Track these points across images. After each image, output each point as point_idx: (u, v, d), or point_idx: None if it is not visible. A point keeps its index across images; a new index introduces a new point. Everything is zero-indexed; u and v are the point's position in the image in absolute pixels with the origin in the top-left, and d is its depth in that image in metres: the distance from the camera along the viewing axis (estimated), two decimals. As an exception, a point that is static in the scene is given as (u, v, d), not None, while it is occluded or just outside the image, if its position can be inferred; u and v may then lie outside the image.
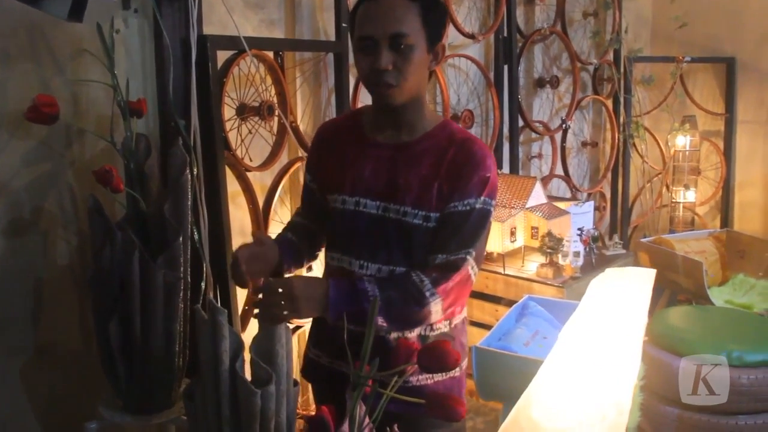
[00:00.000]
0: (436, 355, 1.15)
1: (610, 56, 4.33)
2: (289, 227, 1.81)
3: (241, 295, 2.34)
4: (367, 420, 1.24)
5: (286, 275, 1.64)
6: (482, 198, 1.57)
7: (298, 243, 1.76)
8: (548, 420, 1.51)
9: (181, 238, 1.74)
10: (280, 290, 1.43)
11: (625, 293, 1.84)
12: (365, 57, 1.54)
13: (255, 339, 1.43)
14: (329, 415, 1.24)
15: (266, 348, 1.40)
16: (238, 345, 1.34)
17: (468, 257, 1.56)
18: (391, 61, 1.51)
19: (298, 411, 2.78)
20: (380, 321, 1.51)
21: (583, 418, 1.51)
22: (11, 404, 1.90)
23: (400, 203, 1.60)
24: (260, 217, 2.34)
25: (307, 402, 2.85)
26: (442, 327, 1.67)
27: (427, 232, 1.59)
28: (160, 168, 1.89)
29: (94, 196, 1.74)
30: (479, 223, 1.58)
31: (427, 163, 1.60)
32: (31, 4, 1.42)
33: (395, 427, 1.25)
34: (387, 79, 1.52)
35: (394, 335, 1.61)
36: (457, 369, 1.69)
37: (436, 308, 1.55)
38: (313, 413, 2.74)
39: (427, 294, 1.53)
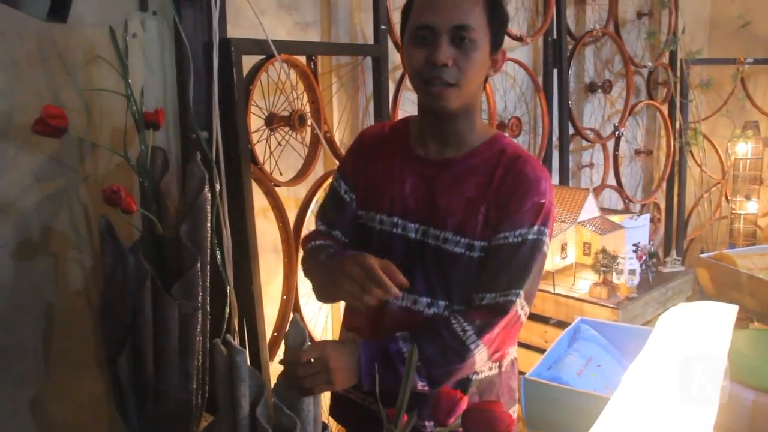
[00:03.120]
0: (485, 419, 0.97)
1: (666, 59, 4.10)
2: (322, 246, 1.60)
3: (270, 322, 2.17)
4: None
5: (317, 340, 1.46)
6: (536, 227, 1.37)
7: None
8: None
9: (198, 265, 1.57)
10: (313, 361, 1.26)
11: (702, 331, 1.62)
12: (420, 49, 1.34)
13: (278, 381, 1.27)
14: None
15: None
16: (260, 388, 1.18)
17: (516, 299, 1.36)
18: (451, 56, 1.32)
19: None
20: (420, 385, 1.33)
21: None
22: (21, 438, 1.77)
23: (440, 228, 1.41)
24: (290, 236, 2.16)
25: None
26: (488, 371, 1.47)
27: (470, 263, 1.39)
28: (179, 185, 1.73)
29: (106, 218, 1.58)
30: (531, 257, 1.37)
31: (473, 183, 1.40)
32: (9, 3, 1.27)
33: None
34: (445, 76, 1.32)
35: None
36: None
37: (480, 357, 1.36)
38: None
39: (472, 346, 1.33)
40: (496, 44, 1.38)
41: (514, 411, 1.57)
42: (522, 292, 1.36)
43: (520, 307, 1.37)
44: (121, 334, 1.54)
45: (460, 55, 1.32)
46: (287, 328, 1.28)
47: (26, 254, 1.72)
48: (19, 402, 1.75)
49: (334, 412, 1.65)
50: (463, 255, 1.39)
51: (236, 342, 1.83)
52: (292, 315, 1.38)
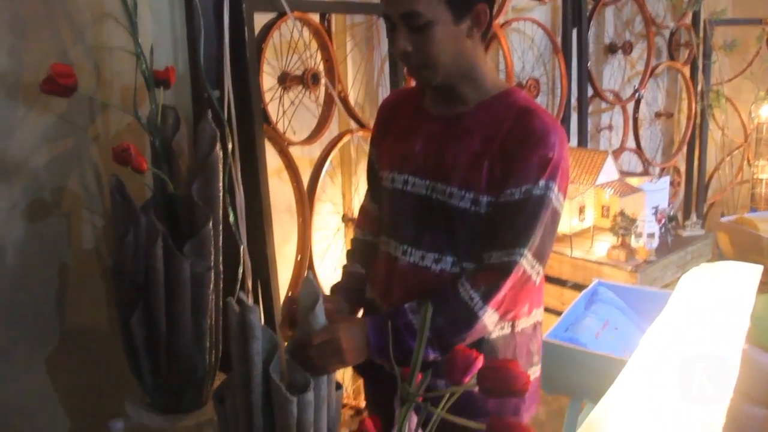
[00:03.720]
0: (501, 377, 0.94)
1: (689, 19, 3.98)
2: (355, 253, 1.63)
3: (285, 282, 2.16)
4: (419, 432, 1.05)
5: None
6: (542, 182, 1.32)
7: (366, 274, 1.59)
8: (629, 437, 1.28)
9: (211, 223, 1.55)
10: (325, 343, 1.25)
11: (724, 292, 1.58)
12: (391, 35, 1.35)
13: (292, 339, 1.25)
14: (374, 428, 1.06)
15: None
16: (273, 346, 1.16)
17: (520, 258, 1.32)
18: (409, 43, 1.30)
19: (346, 402, 2.61)
20: (432, 356, 1.32)
21: (671, 436, 1.28)
22: (38, 396, 1.78)
23: (446, 183, 1.38)
24: (304, 196, 2.14)
25: (359, 389, 2.67)
26: (499, 331, 1.45)
27: (477, 218, 1.36)
28: (191, 145, 1.71)
29: (117, 177, 1.57)
30: (536, 214, 1.33)
31: (479, 136, 1.37)
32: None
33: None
34: (411, 61, 1.33)
35: None
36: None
37: (491, 321, 1.34)
38: (363, 406, 2.57)
39: (480, 312, 1.32)
40: (461, 10, 1.32)
41: (532, 373, 1.54)
42: (527, 251, 1.33)
43: (530, 267, 1.34)
44: (133, 294, 1.53)
45: (419, 39, 1.30)
46: (300, 287, 1.26)
47: (38, 215, 1.71)
48: (35, 362, 1.76)
49: (354, 366, 1.65)
50: (468, 210, 1.36)
51: (250, 301, 1.82)
52: (306, 273, 1.35)
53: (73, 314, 1.80)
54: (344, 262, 1.63)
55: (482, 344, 1.43)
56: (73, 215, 1.77)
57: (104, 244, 1.82)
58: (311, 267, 2.18)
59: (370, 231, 1.61)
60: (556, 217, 1.37)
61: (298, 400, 1.15)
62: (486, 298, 1.31)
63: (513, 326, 1.46)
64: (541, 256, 1.36)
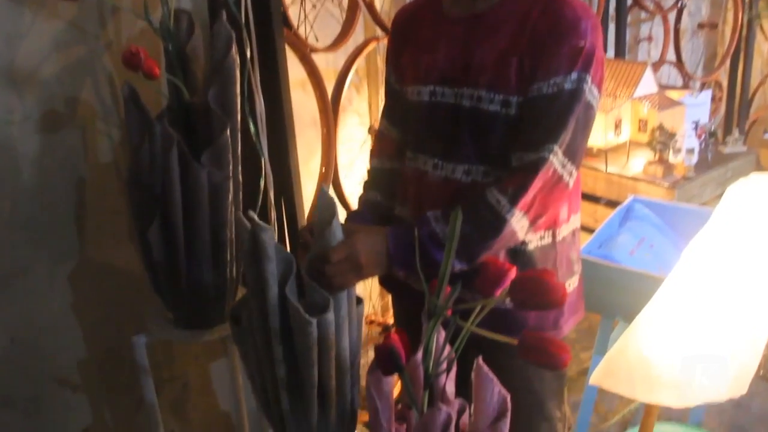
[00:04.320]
0: (536, 288, 0.87)
1: None
2: (372, 182, 1.56)
3: (309, 197, 2.10)
4: (447, 348, 0.99)
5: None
6: (574, 74, 1.22)
7: (386, 203, 1.51)
8: (663, 356, 1.21)
9: (228, 131, 1.48)
10: (343, 260, 1.17)
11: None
12: None
13: (309, 256, 1.19)
14: (400, 343, 1.00)
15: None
16: (288, 265, 1.10)
17: (549, 155, 1.22)
18: None
19: (374, 319, 2.59)
20: (458, 267, 1.24)
21: (707, 355, 1.20)
22: (60, 313, 1.76)
23: (473, 86, 1.28)
24: (328, 106, 2.05)
25: (386, 306, 2.64)
26: (539, 240, 1.37)
27: (508, 122, 1.27)
28: (206, 50, 1.62)
29: (129, 84, 1.49)
30: (568, 108, 1.23)
31: (506, 33, 1.26)
32: None
33: (479, 360, 1.00)
34: None
35: None
36: None
37: (520, 226, 1.25)
38: (391, 323, 2.54)
39: (507, 216, 1.23)
40: None
41: (571, 283, 1.47)
42: (557, 147, 1.23)
43: (561, 166, 1.25)
44: (150, 206, 1.47)
45: None
46: (315, 200, 1.20)
47: (52, 127, 1.65)
48: (56, 278, 1.73)
49: (382, 281, 1.61)
50: (499, 113, 1.27)
51: (273, 216, 1.77)
52: (321, 187, 1.27)
53: (93, 229, 1.76)
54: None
55: (518, 255, 1.36)
56: (88, 127, 1.70)
57: (122, 157, 1.76)
58: (336, 180, 2.11)
59: (388, 156, 1.53)
60: (590, 112, 1.27)
61: (318, 321, 1.10)
62: (514, 200, 1.23)
63: (554, 235, 1.38)
64: (573, 155, 1.27)
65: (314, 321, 1.09)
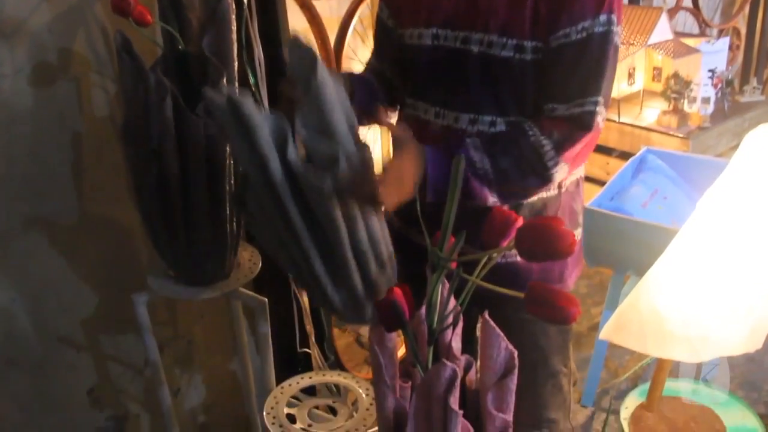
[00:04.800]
0: (544, 237, 0.81)
1: None
2: (365, 71, 1.50)
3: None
4: (452, 302, 0.95)
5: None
6: (602, 16, 1.16)
7: (373, 82, 1.43)
8: (676, 309, 1.16)
9: (225, 80, 1.42)
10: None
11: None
12: None
13: (299, 111, 1.07)
14: (403, 297, 0.96)
15: (319, 119, 1.05)
16: (282, 129, 1.03)
17: (597, 108, 1.18)
18: None
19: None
20: (491, 199, 1.19)
21: (722, 310, 1.16)
22: (61, 271, 1.73)
23: (483, 31, 1.22)
24: (331, 55, 1.99)
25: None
26: (545, 193, 1.32)
27: (523, 67, 1.21)
28: (201, -2, 1.56)
29: (121, 32, 1.43)
30: (603, 55, 1.18)
31: None
32: None
33: (485, 315, 0.96)
34: None
35: (478, 204, 1.27)
36: None
37: (560, 176, 1.21)
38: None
39: (550, 163, 1.18)
40: None
41: (576, 234, 1.43)
42: (600, 98, 1.19)
43: (601, 119, 1.20)
44: (145, 159, 1.43)
45: None
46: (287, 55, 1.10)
47: (45, 80, 1.60)
48: (56, 236, 1.70)
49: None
50: (512, 59, 1.21)
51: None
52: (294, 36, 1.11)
53: (91, 186, 1.72)
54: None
55: (519, 208, 1.31)
56: (82, 80, 1.65)
57: (118, 111, 1.71)
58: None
59: (378, 73, 1.46)
60: (617, 53, 1.22)
61: (329, 176, 1.03)
62: (559, 149, 1.18)
63: (560, 186, 1.33)
64: (607, 101, 1.22)
65: (327, 176, 1.03)
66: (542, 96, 1.22)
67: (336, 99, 1.06)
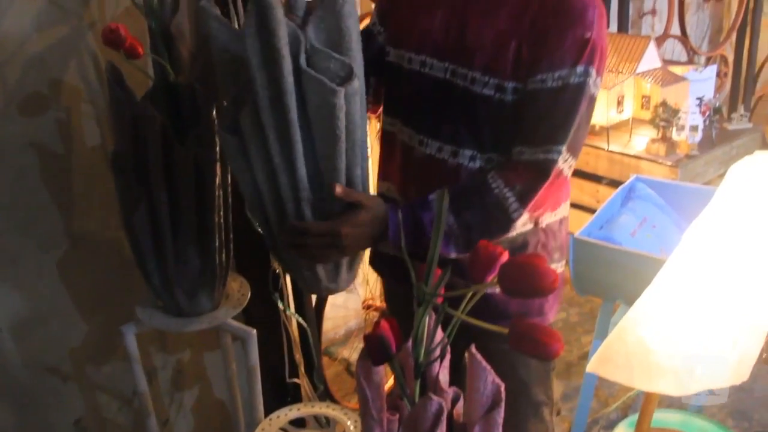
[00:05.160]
0: (526, 275, 0.82)
1: None
2: None
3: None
4: (440, 334, 0.95)
5: None
6: (579, 67, 1.17)
7: None
8: (663, 341, 1.16)
9: (215, 111, 1.43)
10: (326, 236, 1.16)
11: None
12: None
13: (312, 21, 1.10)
14: (390, 331, 0.96)
15: (334, 25, 1.08)
16: (296, 38, 1.03)
17: (558, 157, 1.19)
18: None
19: (371, 303, 2.55)
20: (454, 254, 1.21)
21: (708, 342, 1.16)
22: (50, 301, 1.73)
23: (467, 66, 1.24)
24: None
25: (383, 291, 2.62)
26: (523, 226, 1.34)
27: (501, 106, 1.23)
28: (192, 27, 1.57)
29: (112, 63, 1.44)
30: (574, 105, 1.19)
31: (505, 13, 1.21)
32: None
33: (472, 348, 0.96)
34: None
35: None
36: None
37: (521, 222, 1.24)
38: (380, 306, 2.51)
39: (514, 215, 1.20)
40: None
41: (557, 268, 1.44)
42: (564, 148, 1.20)
43: (563, 161, 1.21)
44: (135, 190, 1.43)
45: None
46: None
47: (36, 109, 1.61)
48: (45, 266, 1.70)
49: (372, 261, 1.57)
50: (492, 97, 1.23)
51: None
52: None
53: (81, 216, 1.72)
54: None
55: (500, 242, 1.31)
56: (73, 110, 1.66)
57: (109, 140, 1.72)
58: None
59: None
60: (592, 104, 1.23)
61: (345, 90, 1.03)
62: (522, 200, 1.20)
63: (537, 222, 1.34)
64: (574, 149, 1.23)
65: (341, 90, 1.03)
66: (512, 138, 1.24)
67: (356, 14, 1.08)
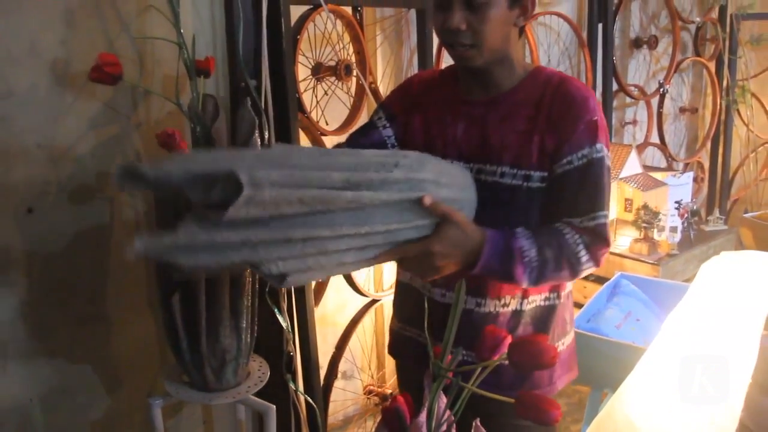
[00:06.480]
0: (530, 352, 0.99)
1: (715, 14, 4.00)
2: None
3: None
4: (447, 413, 1.10)
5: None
6: (597, 145, 1.40)
7: None
8: (647, 420, 1.33)
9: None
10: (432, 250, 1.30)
11: (742, 280, 1.62)
12: (438, 13, 1.39)
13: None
14: (405, 405, 1.11)
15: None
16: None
17: (604, 220, 1.40)
18: (463, 21, 1.35)
19: (372, 388, 2.67)
20: (525, 282, 1.37)
21: (688, 420, 1.32)
22: (79, 375, 1.85)
23: (496, 163, 1.44)
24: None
25: (383, 377, 2.73)
26: (544, 302, 1.52)
27: (529, 194, 1.43)
28: (229, 132, 1.77)
29: (156, 160, 1.63)
30: (601, 175, 1.40)
31: (522, 116, 1.43)
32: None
33: (477, 422, 1.11)
34: (462, 39, 1.37)
35: (484, 310, 1.47)
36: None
37: (584, 274, 1.42)
38: (388, 391, 2.63)
39: (584, 260, 1.38)
40: None
41: (565, 342, 1.60)
42: (608, 212, 1.41)
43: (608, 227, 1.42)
44: (174, 274, 1.59)
45: (474, 17, 1.35)
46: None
47: (83, 198, 1.78)
48: (78, 340, 1.83)
49: (391, 348, 1.72)
50: (520, 187, 1.42)
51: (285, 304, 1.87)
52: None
53: (114, 294, 1.87)
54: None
55: (520, 315, 1.48)
56: (116, 200, 1.84)
57: (145, 228, 1.88)
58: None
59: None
60: (610, 172, 1.45)
61: None
62: (590, 249, 1.38)
63: (559, 296, 1.52)
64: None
65: None
66: (555, 214, 1.41)
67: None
